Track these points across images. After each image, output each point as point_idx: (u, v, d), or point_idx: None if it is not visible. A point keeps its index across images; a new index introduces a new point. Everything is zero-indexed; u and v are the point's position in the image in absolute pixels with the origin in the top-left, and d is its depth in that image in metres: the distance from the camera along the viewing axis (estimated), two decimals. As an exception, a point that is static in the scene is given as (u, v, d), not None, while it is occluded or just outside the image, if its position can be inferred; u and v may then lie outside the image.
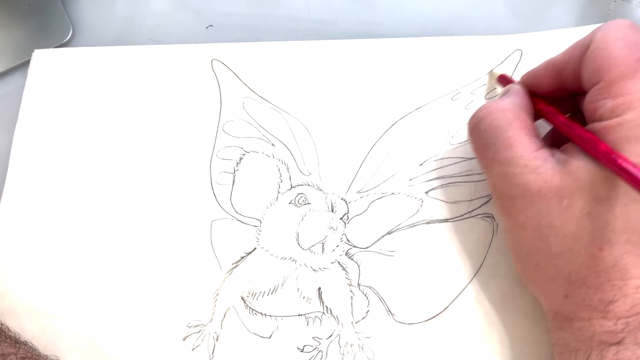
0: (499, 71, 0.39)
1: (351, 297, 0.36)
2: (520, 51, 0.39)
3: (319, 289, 0.37)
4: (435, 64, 0.40)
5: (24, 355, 0.34)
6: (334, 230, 0.37)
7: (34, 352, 0.35)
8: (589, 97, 0.28)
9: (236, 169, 0.40)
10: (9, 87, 0.46)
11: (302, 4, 0.45)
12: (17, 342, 0.35)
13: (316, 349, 0.36)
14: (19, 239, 0.40)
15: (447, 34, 0.41)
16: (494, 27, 0.41)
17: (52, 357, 0.36)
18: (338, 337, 0.36)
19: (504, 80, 0.37)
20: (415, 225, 0.37)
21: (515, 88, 0.32)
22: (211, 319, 0.37)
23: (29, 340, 0.36)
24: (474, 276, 0.36)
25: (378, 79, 0.41)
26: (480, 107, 0.32)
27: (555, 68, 0.30)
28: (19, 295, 0.39)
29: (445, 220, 0.37)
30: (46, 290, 0.39)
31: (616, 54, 0.26)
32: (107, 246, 0.39)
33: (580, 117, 0.30)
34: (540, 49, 0.39)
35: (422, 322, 0.35)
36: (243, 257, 0.38)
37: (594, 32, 0.28)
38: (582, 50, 0.28)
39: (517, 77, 0.38)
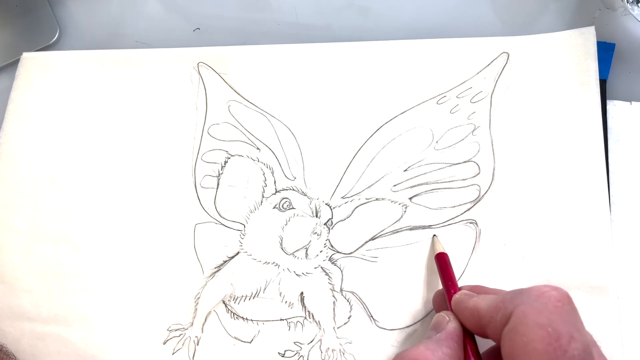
0: (439, 247, 0.35)
1: (334, 302, 0.36)
2: (507, 54, 0.39)
3: (302, 293, 0.36)
4: (421, 66, 0.40)
5: None
6: (317, 235, 0.37)
7: (8, 358, 0.35)
8: None
9: (221, 172, 0.40)
10: (-5, 88, 0.46)
11: (290, 9, 0.45)
12: None
13: (297, 354, 0.35)
14: (0, 242, 0.40)
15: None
16: (483, 35, 0.40)
17: None
18: (320, 342, 0.36)
19: (441, 260, 0.34)
20: (398, 231, 0.37)
21: (450, 329, 0.29)
22: (192, 323, 0.37)
23: (5, 345, 0.36)
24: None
25: (363, 83, 0.40)
26: (404, 356, 0.27)
27: (479, 321, 0.27)
28: None
29: (429, 227, 0.37)
30: (26, 293, 0.39)
31: (533, 347, 0.23)
32: (89, 249, 0.39)
33: None
34: (527, 52, 0.39)
35: (404, 328, 0.35)
36: (226, 261, 0.38)
37: (517, 299, 0.25)
38: (502, 320, 0.25)
39: (503, 82, 0.38)
